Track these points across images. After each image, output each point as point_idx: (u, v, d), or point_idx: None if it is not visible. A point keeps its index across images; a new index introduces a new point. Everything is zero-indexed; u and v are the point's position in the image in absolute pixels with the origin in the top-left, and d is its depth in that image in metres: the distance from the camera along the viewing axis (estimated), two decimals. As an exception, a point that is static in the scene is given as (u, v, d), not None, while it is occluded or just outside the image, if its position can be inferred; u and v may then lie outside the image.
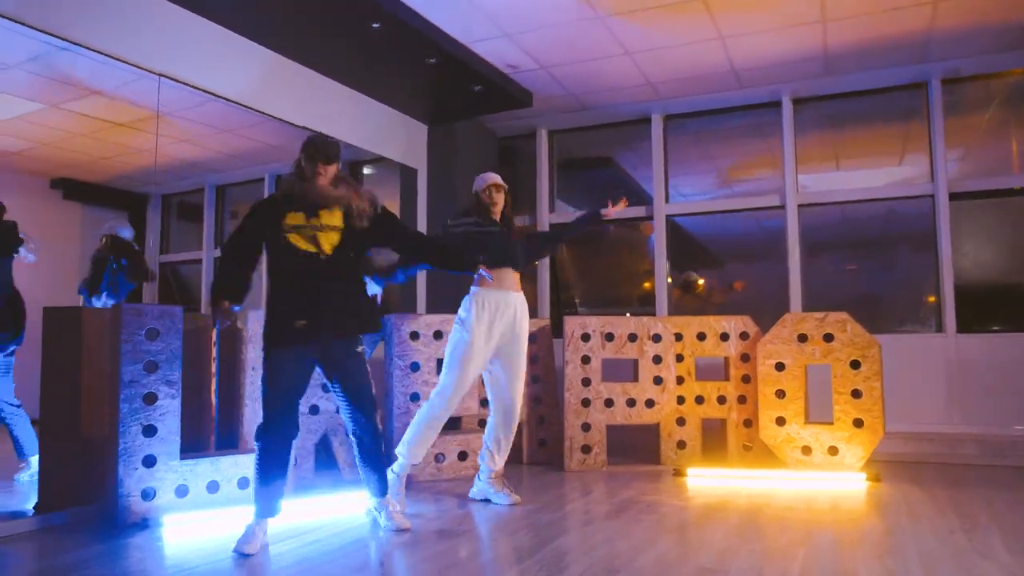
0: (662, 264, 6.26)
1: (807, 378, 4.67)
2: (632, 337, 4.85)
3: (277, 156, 7.56)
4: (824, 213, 6.01)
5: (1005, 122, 5.63)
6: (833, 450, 4.48)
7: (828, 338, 4.57)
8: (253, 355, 3.79)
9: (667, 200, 6.35)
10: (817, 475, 4.37)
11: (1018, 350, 5.15)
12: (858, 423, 4.45)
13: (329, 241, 2.89)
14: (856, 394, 4.47)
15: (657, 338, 4.85)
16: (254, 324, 3.82)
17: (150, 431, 3.22)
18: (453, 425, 4.54)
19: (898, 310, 5.95)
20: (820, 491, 4.07)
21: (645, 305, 7.08)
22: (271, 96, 4.73)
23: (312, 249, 2.86)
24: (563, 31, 4.68)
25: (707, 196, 6.76)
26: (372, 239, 3.05)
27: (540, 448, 5.02)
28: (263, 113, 4.75)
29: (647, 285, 7.21)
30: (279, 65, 4.81)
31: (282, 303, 2.86)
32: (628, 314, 6.71)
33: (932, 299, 5.54)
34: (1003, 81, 5.49)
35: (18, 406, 3.96)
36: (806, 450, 4.54)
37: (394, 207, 6.75)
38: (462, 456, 4.47)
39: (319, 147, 2.94)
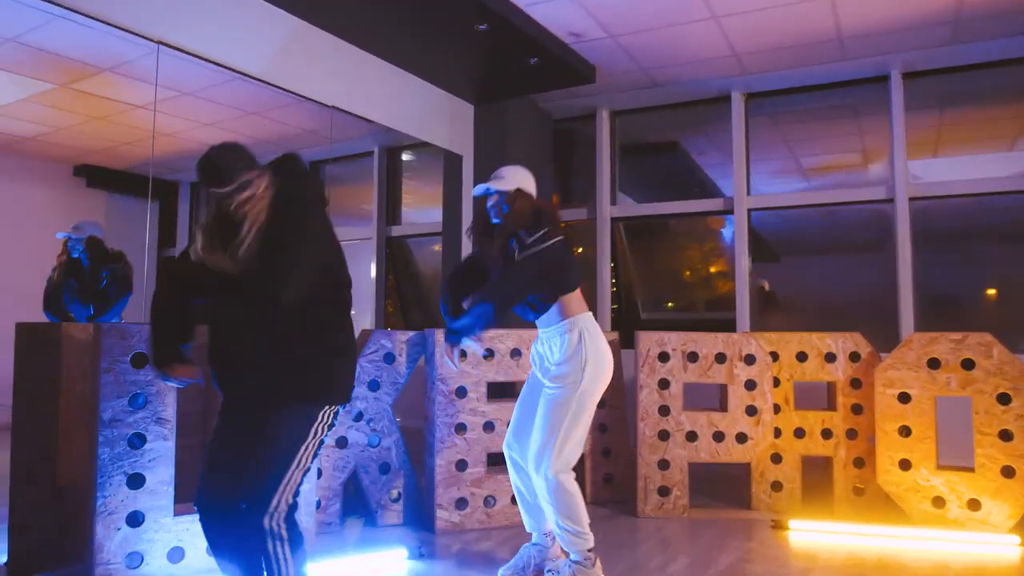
0: (743, 266, 5.44)
1: (938, 413, 3.83)
2: (720, 358, 4.05)
3: (311, 141, 6.92)
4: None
5: None
6: (974, 504, 3.64)
7: (967, 365, 3.72)
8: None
9: (748, 191, 5.50)
10: (954, 535, 3.55)
11: None
12: (1008, 472, 3.60)
13: None
14: (1005, 436, 3.62)
15: (751, 359, 4.05)
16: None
17: (136, 482, 2.56)
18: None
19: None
20: (958, 555, 3.28)
21: (714, 310, 6.28)
22: (298, 71, 4.04)
23: None
24: (641, -11, 3.90)
25: (786, 186, 5.92)
26: None
27: (606, 485, 4.28)
28: (287, 91, 4.06)
29: (715, 285, 6.41)
30: (307, 35, 4.11)
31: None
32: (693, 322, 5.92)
33: None
34: None
35: None
36: (938, 502, 3.71)
37: (437, 197, 6.04)
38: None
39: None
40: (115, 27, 3.49)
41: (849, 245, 6.07)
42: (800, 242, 6.40)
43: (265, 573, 1.86)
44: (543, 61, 4.57)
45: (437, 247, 6.68)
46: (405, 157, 7.06)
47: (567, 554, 2.71)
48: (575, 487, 2.66)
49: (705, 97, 5.59)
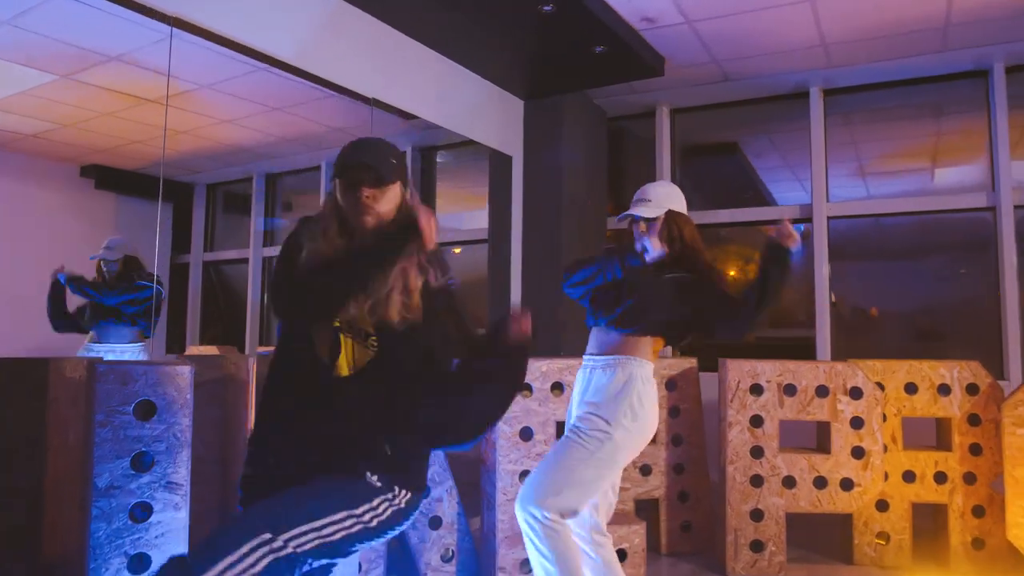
0: (823, 281, 4.85)
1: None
2: (822, 391, 3.48)
3: (338, 139, 6.40)
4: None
5: None
6: None
7: (1121, 402, 3.14)
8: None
9: (828, 198, 4.92)
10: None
11: None
12: None
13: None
14: None
15: (857, 393, 3.47)
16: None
17: (140, 564, 2.02)
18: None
19: None
20: None
21: (778, 327, 5.70)
22: (333, 58, 3.50)
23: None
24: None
25: (837, 193, 5.34)
26: None
27: (684, 534, 3.70)
28: (320, 80, 3.50)
29: (783, 301, 5.82)
30: (342, 16, 3.57)
31: None
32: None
33: None
34: None
35: None
36: (1084, 562, 3.13)
37: (482, 201, 5.49)
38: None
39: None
40: (122, 4, 2.97)
41: (889, 251, 5.43)
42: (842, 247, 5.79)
43: None
44: (609, 50, 4.01)
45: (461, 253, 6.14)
46: (439, 159, 6.53)
47: None
48: (573, 544, 2.15)
49: (779, 93, 5.03)
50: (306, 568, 1.41)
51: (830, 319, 4.89)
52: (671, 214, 2.22)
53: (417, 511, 1.60)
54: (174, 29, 2.99)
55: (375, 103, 3.83)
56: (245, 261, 7.16)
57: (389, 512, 1.50)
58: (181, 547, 2.08)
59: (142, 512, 2.03)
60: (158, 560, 2.04)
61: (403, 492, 1.52)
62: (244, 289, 7.17)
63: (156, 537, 2.04)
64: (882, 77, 4.73)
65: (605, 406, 2.16)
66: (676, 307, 2.16)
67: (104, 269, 4.05)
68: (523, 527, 2.16)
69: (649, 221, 2.20)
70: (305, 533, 1.37)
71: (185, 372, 2.09)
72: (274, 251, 6.97)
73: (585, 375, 2.29)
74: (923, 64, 4.54)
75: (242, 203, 7.66)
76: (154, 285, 3.99)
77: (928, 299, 5.12)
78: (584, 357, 2.32)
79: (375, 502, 1.48)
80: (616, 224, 5.47)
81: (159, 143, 6.41)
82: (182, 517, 2.08)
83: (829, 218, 4.86)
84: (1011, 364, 4.29)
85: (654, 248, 2.20)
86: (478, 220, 5.73)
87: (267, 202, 7.55)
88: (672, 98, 5.22)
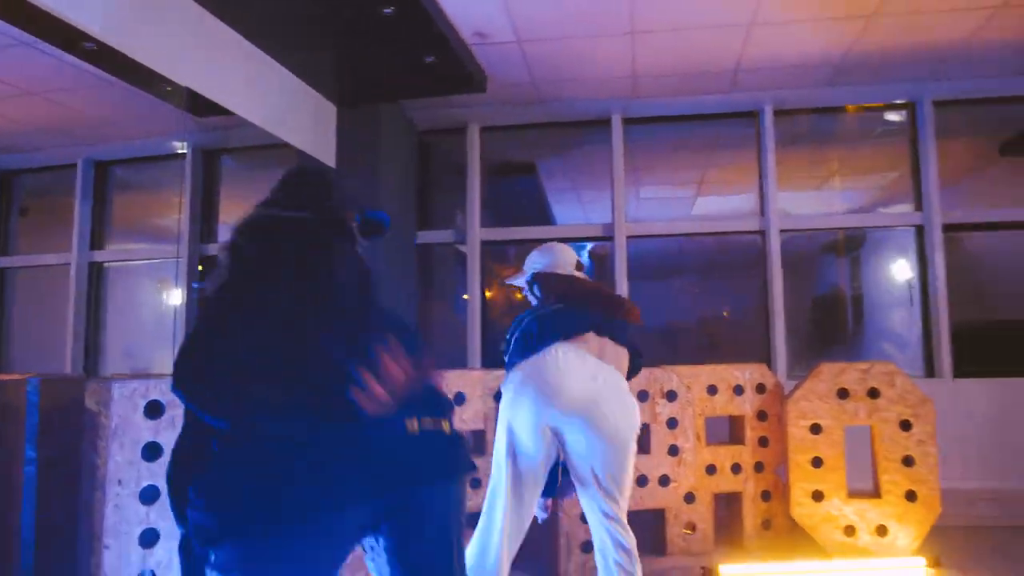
0: (623, 294, 5.26)
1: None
2: (642, 396, 3.76)
3: (103, 134, 5.67)
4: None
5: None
6: (882, 530, 3.69)
7: (873, 394, 3.78)
8: (120, 459, 2.21)
9: (626, 218, 5.35)
10: (867, 563, 3.58)
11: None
12: (911, 496, 3.69)
13: None
14: (908, 461, 3.72)
15: (672, 395, 3.81)
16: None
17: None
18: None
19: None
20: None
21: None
22: (141, 37, 3.09)
23: None
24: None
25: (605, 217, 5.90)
26: None
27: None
28: (135, 61, 3.06)
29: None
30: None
31: None
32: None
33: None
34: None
35: None
36: (849, 530, 3.71)
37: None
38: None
39: None
40: None
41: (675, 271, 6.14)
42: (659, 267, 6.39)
43: None
44: (439, 61, 4.02)
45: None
46: (226, 163, 6.06)
47: None
48: None
49: (584, 119, 5.37)
50: None
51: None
52: (535, 275, 2.66)
53: None
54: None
55: (173, 94, 3.45)
56: (65, 266, 6.03)
57: None
58: None
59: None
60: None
61: None
62: (64, 300, 6.02)
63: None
64: (674, 111, 5.26)
65: None
66: None
67: None
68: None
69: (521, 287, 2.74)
70: None
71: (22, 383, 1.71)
72: (105, 256, 5.97)
73: None
74: (709, 102, 5.14)
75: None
76: None
77: (708, 313, 5.80)
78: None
79: None
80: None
81: None
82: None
83: (628, 237, 5.29)
84: (778, 366, 4.98)
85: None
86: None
87: (0, 203, 6.47)
88: (485, 116, 5.36)
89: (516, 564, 3.63)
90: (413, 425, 1.36)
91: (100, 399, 2.15)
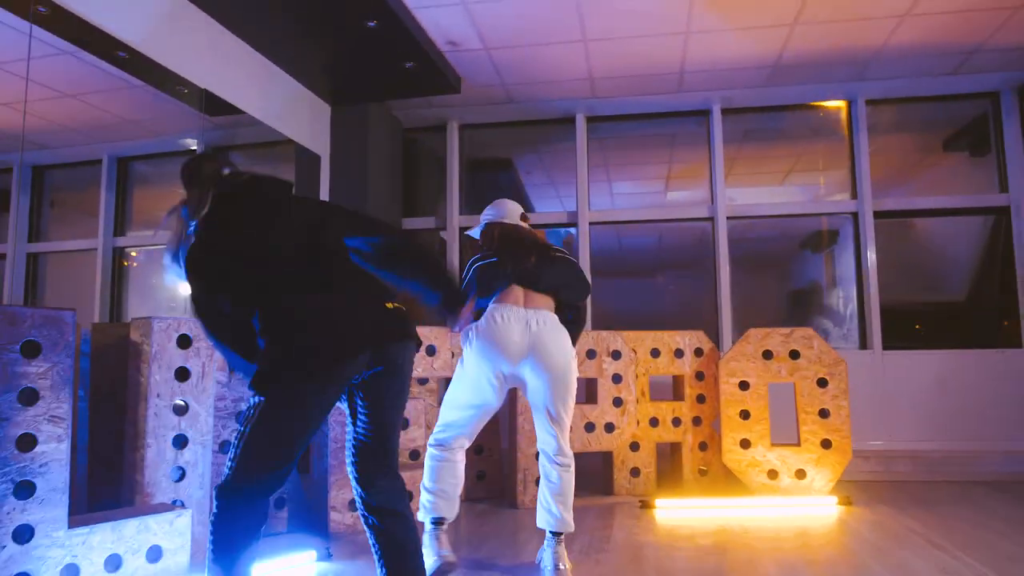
0: (587, 274, 5.83)
1: (769, 398, 4.42)
2: (591, 354, 4.34)
3: (129, 132, 6.26)
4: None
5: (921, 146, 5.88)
6: (801, 473, 4.25)
7: (794, 355, 4.35)
8: (159, 377, 2.80)
9: (589, 207, 5.94)
10: (786, 501, 4.13)
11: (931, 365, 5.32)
12: (826, 444, 4.25)
13: None
14: (823, 414, 4.28)
15: (617, 355, 4.38)
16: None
17: (26, 490, 2.19)
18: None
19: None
20: (790, 517, 3.87)
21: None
22: (169, 47, 3.70)
23: None
24: (527, 3, 4.10)
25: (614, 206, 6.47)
26: None
27: (479, 482, 4.36)
28: (162, 67, 3.67)
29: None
30: (181, 10, 3.79)
31: None
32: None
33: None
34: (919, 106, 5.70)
35: None
36: (772, 474, 4.27)
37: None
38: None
39: None
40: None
41: (672, 265, 6.73)
42: (631, 262, 6.98)
43: None
44: (418, 66, 4.61)
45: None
46: (236, 159, 6.64)
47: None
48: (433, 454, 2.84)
49: (551, 117, 5.95)
50: None
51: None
52: (486, 224, 3.04)
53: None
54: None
55: (188, 96, 4.03)
56: (2, 257, 6.63)
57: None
58: (64, 475, 2.28)
59: (27, 443, 2.20)
60: (45, 487, 2.23)
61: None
62: None
63: (40, 466, 2.23)
64: (633, 110, 5.84)
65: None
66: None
67: None
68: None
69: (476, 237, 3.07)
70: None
71: (67, 316, 2.31)
72: (39, 247, 6.56)
73: None
74: (663, 102, 5.72)
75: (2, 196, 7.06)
76: None
77: (664, 299, 6.39)
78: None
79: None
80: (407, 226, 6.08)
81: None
82: (64, 448, 2.28)
83: (591, 223, 5.87)
84: (724, 338, 5.54)
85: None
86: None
87: (33, 196, 7.06)
88: (462, 115, 5.95)
89: (477, 496, 4.24)
90: (389, 305, 1.98)
91: (143, 332, 2.74)
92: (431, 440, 2.85)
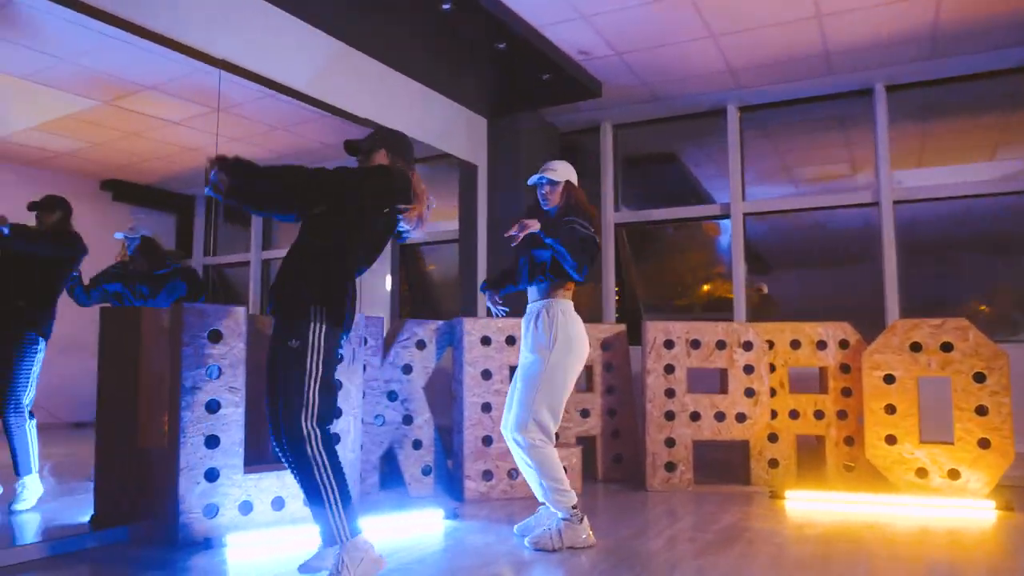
0: (740, 268, 5.83)
1: (920, 392, 4.20)
2: (721, 344, 4.43)
3: (330, 155, 7.34)
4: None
5: None
6: (954, 473, 4.00)
7: (946, 347, 4.10)
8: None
9: (744, 197, 5.91)
10: (935, 501, 3.91)
11: None
12: (984, 443, 3.97)
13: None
14: (981, 411, 3.99)
15: (748, 346, 4.43)
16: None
17: (213, 442, 2.92)
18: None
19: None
20: (938, 519, 3.62)
21: (711, 311, 6.66)
22: (334, 87, 4.44)
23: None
24: (643, 11, 4.31)
25: (778, 196, 6.31)
26: None
27: (615, 465, 4.63)
28: (327, 105, 4.43)
29: (711, 287, 6.78)
30: (342, 54, 4.52)
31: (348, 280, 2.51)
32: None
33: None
34: None
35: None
36: (921, 472, 4.07)
37: (450, 205, 6.44)
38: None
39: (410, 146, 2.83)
40: (175, 48, 3.88)
41: (838, 257, 6.44)
42: (791, 254, 6.78)
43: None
44: (554, 77, 4.98)
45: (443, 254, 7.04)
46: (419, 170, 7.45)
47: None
48: (551, 449, 2.94)
49: (702, 110, 6.01)
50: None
51: (759, 306, 5.90)
52: (568, 183, 3.13)
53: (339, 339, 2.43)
54: (221, 71, 3.89)
55: (364, 122, 4.75)
56: (246, 264, 8.05)
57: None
58: (240, 433, 2.98)
59: (214, 406, 2.93)
60: (227, 441, 2.95)
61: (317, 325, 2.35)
62: (245, 288, 8.04)
63: (223, 425, 2.94)
64: (786, 96, 5.71)
65: (544, 336, 2.99)
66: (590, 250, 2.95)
67: (126, 246, 4.37)
68: (516, 450, 2.98)
69: (553, 183, 3.10)
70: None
71: (241, 312, 3.01)
72: (272, 254, 7.87)
73: (530, 321, 3.11)
74: (818, 84, 5.53)
75: (241, 212, 8.56)
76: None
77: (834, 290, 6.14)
78: (528, 306, 3.18)
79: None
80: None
81: (174, 160, 7.34)
82: (240, 412, 2.99)
83: (745, 214, 5.84)
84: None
85: (551, 203, 3.11)
86: (451, 225, 6.66)
87: (266, 212, 8.47)
88: (613, 115, 6.20)
89: (613, 478, 4.51)
90: None
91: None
92: (546, 435, 2.94)
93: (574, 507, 2.95)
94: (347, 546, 2.29)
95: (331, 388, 2.38)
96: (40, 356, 3.42)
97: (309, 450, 2.25)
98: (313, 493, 2.28)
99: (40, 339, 3.45)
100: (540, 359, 2.98)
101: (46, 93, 5.33)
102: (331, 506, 2.25)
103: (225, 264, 8.47)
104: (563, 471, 2.97)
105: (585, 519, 2.96)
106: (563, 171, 3.13)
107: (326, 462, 2.27)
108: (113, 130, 6.22)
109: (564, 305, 3.05)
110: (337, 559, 2.28)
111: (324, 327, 2.33)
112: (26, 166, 6.88)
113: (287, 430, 2.27)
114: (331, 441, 2.33)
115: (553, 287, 3.05)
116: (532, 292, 3.15)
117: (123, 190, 7.78)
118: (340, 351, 2.45)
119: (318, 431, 2.29)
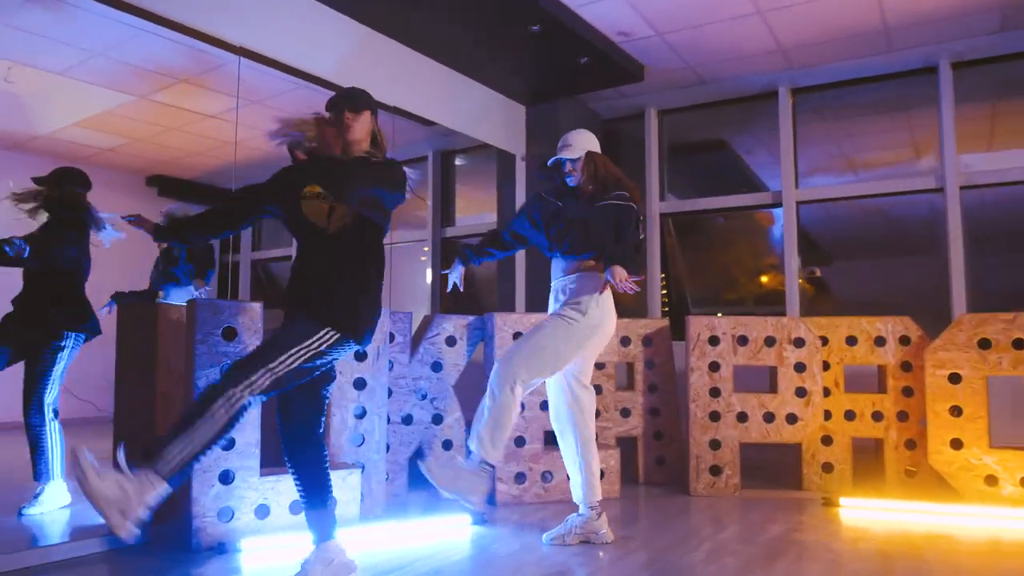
0: (792, 260, 5.50)
1: (989, 393, 3.86)
2: (770, 341, 4.15)
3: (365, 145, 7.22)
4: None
5: None
6: (1028, 481, 3.67)
7: (1019, 344, 3.75)
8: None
9: (797, 185, 5.57)
10: (1006, 512, 3.57)
11: None
12: (1061, 449, 3.62)
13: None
14: (1058, 413, 3.65)
15: (800, 342, 4.14)
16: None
17: (228, 443, 2.81)
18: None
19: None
20: (1009, 532, 3.31)
21: (762, 304, 6.34)
22: (361, 75, 4.30)
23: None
24: (687, -13, 4.06)
25: (834, 182, 5.94)
26: None
27: (658, 467, 4.40)
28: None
29: (763, 279, 6.46)
30: (370, 40, 4.38)
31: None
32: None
33: None
34: None
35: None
36: (991, 480, 3.74)
37: (491, 196, 6.28)
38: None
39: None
40: (198, 38, 3.80)
41: (900, 246, 6.04)
42: (852, 244, 6.40)
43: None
44: (593, 60, 4.75)
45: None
46: (458, 161, 7.31)
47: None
48: (515, 402, 2.74)
49: (752, 93, 5.69)
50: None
51: (813, 295, 5.57)
52: (589, 153, 2.92)
53: (346, 347, 2.30)
54: (241, 58, 3.80)
55: (395, 111, 4.62)
56: (289, 259, 8.06)
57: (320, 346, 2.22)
58: (256, 435, 2.88)
59: (228, 406, 2.82)
60: (242, 442, 2.84)
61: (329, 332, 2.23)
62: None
63: (239, 426, 2.84)
64: (843, 76, 5.35)
65: (578, 299, 2.81)
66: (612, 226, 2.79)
67: None
68: (493, 382, 2.76)
69: (574, 160, 2.92)
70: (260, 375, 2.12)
71: (256, 308, 2.90)
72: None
73: (554, 295, 2.95)
74: (878, 63, 5.16)
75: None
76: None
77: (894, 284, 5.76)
78: (552, 282, 3.01)
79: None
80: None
81: (215, 155, 7.35)
82: (256, 413, 2.88)
83: (798, 203, 5.51)
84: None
85: (577, 180, 2.93)
86: (490, 217, 6.50)
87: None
88: (658, 100, 5.93)
89: (655, 481, 4.29)
90: None
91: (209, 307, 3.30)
92: (519, 381, 2.75)
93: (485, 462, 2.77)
94: (319, 548, 2.33)
95: (291, 383, 2.22)
96: (66, 353, 3.36)
97: (217, 403, 2.06)
98: (313, 489, 2.34)
99: (66, 335, 3.38)
100: (574, 317, 2.80)
101: (84, 89, 5.36)
102: (182, 441, 2.06)
103: (270, 259, 8.49)
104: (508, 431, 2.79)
105: (603, 515, 2.96)
106: (579, 143, 2.95)
107: (218, 422, 2.07)
108: (152, 125, 6.24)
109: (600, 282, 2.85)
110: (306, 561, 2.32)
111: (336, 335, 2.26)
112: (73, 163, 7.00)
113: (222, 374, 2.15)
114: (240, 415, 2.13)
115: (589, 262, 2.89)
116: (562, 264, 2.95)
117: (168, 185, 7.85)
118: (334, 358, 2.31)
119: (241, 400, 2.09)
